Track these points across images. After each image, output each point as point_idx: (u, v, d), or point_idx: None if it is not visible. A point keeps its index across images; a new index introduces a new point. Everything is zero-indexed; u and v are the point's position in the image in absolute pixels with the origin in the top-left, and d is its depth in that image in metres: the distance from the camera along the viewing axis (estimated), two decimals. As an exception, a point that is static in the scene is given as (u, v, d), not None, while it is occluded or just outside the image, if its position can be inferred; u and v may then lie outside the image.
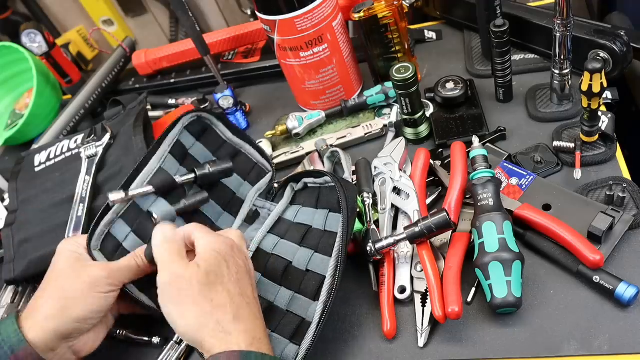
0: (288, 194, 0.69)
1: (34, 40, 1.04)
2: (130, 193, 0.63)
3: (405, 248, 0.64)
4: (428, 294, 0.59)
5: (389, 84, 0.82)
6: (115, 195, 0.62)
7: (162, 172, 0.66)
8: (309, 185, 0.68)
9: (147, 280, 0.61)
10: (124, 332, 0.68)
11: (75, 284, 0.56)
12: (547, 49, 0.79)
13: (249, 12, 1.55)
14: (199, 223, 0.63)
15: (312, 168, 0.78)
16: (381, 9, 0.78)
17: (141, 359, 0.67)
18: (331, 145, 0.80)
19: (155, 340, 0.66)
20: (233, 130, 0.72)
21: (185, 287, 0.50)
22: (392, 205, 0.68)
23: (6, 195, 0.90)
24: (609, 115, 0.67)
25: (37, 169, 0.86)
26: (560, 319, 0.56)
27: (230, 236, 0.57)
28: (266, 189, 0.71)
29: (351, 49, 0.85)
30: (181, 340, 0.65)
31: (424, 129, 0.78)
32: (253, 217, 0.70)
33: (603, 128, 0.66)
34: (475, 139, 0.68)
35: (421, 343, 0.58)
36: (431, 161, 0.72)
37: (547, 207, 0.64)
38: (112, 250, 0.63)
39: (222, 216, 0.71)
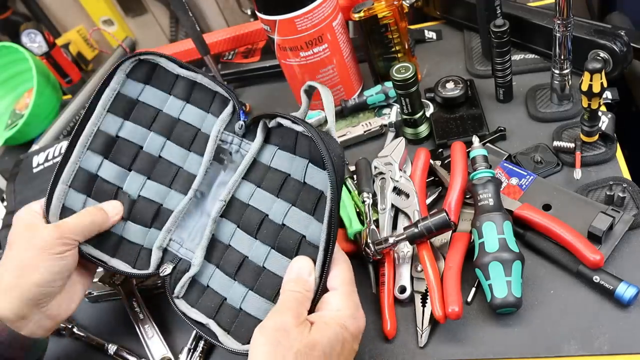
0: (260, 131, 0.61)
1: (34, 40, 1.05)
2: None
3: (405, 248, 0.64)
4: (428, 294, 0.59)
5: (389, 84, 0.82)
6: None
7: (101, 134, 0.64)
8: (284, 125, 0.59)
9: (102, 235, 0.61)
10: (114, 348, 0.67)
11: (28, 250, 0.56)
12: (547, 49, 0.79)
13: (249, 12, 1.54)
14: (161, 171, 0.63)
15: None
16: (381, 9, 0.78)
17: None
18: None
19: None
20: (181, 64, 0.64)
21: (284, 345, 0.46)
22: (392, 205, 0.68)
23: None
24: (609, 115, 0.67)
25: (35, 170, 0.86)
26: (560, 319, 0.56)
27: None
28: (233, 120, 0.62)
29: (351, 49, 0.85)
30: (195, 347, 0.64)
31: (424, 129, 0.78)
32: (223, 155, 0.63)
33: (603, 128, 0.66)
34: (475, 139, 0.68)
35: (421, 343, 0.58)
36: (431, 161, 0.72)
37: (547, 207, 0.64)
38: None
39: (189, 158, 0.63)
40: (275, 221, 0.57)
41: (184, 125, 0.64)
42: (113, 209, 0.62)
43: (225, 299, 0.58)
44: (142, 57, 0.64)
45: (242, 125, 0.61)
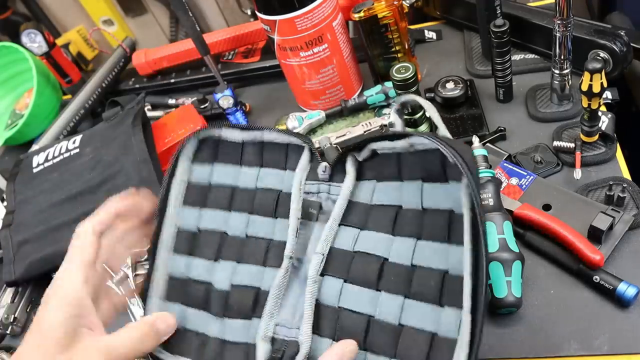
0: (350, 167, 0.51)
1: (34, 40, 1.04)
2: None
3: (405, 248, 0.64)
4: (428, 294, 0.59)
5: (389, 84, 0.82)
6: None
7: (182, 233, 0.55)
8: (379, 152, 0.49)
9: (199, 350, 0.50)
10: None
11: None
12: (547, 49, 0.79)
13: (249, 12, 1.54)
14: (251, 251, 0.53)
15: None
16: (381, 9, 0.78)
17: None
18: (331, 144, 0.79)
19: None
20: (242, 127, 0.56)
21: None
22: (392, 205, 0.68)
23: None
24: (609, 115, 0.67)
25: (35, 170, 0.86)
26: (560, 319, 0.56)
27: None
28: (312, 167, 0.53)
29: (351, 49, 0.85)
30: None
31: (424, 129, 0.78)
32: (312, 210, 0.53)
33: (603, 128, 0.66)
34: (475, 139, 0.68)
35: (421, 343, 0.58)
36: (431, 161, 0.72)
37: (547, 207, 0.64)
38: None
39: (277, 226, 0.53)
40: (402, 263, 0.46)
41: (263, 193, 0.55)
42: (162, 322, 0.50)
43: None
44: (201, 137, 0.56)
45: (325, 168, 0.52)
